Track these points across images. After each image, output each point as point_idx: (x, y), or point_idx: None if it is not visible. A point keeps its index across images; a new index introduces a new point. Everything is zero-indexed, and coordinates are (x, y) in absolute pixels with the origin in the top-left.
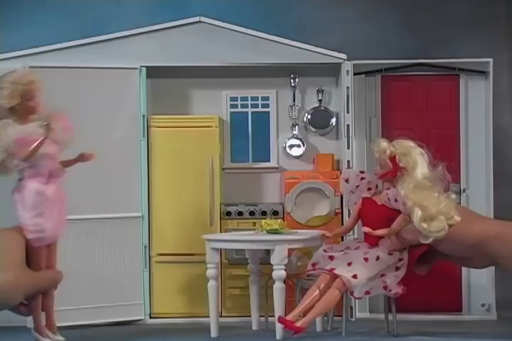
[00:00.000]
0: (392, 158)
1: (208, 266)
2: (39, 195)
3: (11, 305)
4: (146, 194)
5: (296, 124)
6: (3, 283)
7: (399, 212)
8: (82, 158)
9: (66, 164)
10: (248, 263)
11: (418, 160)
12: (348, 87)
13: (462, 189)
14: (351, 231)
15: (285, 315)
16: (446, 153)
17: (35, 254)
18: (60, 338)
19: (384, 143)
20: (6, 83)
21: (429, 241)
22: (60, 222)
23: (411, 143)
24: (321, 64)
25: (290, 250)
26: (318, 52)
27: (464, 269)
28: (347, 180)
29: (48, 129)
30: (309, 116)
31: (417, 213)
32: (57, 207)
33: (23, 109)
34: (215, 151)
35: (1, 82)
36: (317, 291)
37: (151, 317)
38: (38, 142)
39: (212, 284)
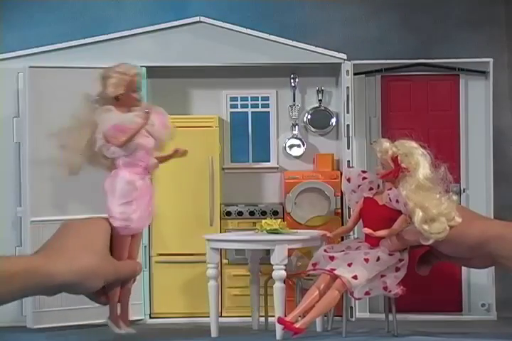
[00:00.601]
0: (394, 159)
1: (208, 266)
2: (129, 184)
3: (91, 290)
4: None
5: (296, 124)
6: (86, 268)
7: (400, 212)
8: (176, 153)
9: (162, 160)
10: (248, 263)
11: (420, 161)
12: (348, 87)
13: (462, 189)
14: (351, 231)
15: (285, 315)
16: (446, 153)
17: (119, 244)
18: (132, 331)
19: (386, 144)
20: (114, 73)
21: (430, 242)
22: (146, 215)
23: (413, 144)
24: (321, 64)
25: (290, 250)
26: (318, 52)
27: (464, 269)
28: (349, 179)
29: (146, 117)
30: (309, 116)
31: (418, 214)
32: (146, 199)
33: (126, 99)
34: (215, 151)
35: (109, 72)
36: (317, 292)
37: (151, 317)
38: (135, 128)
39: (212, 284)
